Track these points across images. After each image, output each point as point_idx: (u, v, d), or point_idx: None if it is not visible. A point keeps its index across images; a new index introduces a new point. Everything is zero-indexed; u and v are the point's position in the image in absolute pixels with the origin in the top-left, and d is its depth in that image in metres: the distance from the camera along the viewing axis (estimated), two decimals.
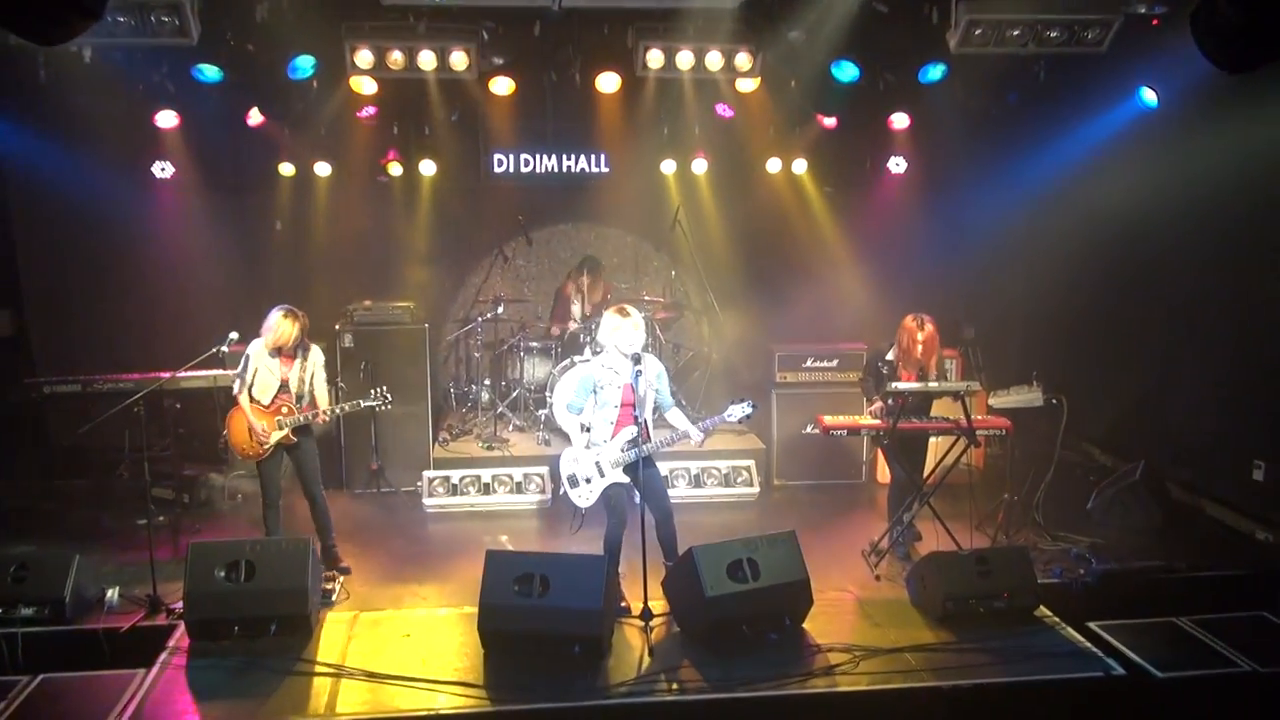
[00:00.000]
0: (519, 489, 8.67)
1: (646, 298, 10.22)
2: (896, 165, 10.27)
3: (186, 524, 7.94)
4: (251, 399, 7.04)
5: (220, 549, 6.14)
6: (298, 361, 7.07)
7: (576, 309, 9.98)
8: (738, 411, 6.41)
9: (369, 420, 8.83)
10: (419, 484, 8.74)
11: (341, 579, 6.95)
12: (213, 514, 8.49)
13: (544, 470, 8.71)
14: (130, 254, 9.77)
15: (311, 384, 7.12)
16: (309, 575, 6.11)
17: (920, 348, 7.14)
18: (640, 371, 6.29)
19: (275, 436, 7.01)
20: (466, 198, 10.54)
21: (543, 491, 8.64)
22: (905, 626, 6.25)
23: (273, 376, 7.02)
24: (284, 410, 7.04)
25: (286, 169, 9.88)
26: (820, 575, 6.39)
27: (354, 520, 8.32)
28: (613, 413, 6.44)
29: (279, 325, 6.93)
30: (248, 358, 7.04)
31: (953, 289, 10.11)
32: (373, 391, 7.30)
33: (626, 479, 6.47)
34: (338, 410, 7.20)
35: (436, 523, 8.44)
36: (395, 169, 10.07)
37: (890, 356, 7.34)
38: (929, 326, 7.16)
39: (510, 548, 7.73)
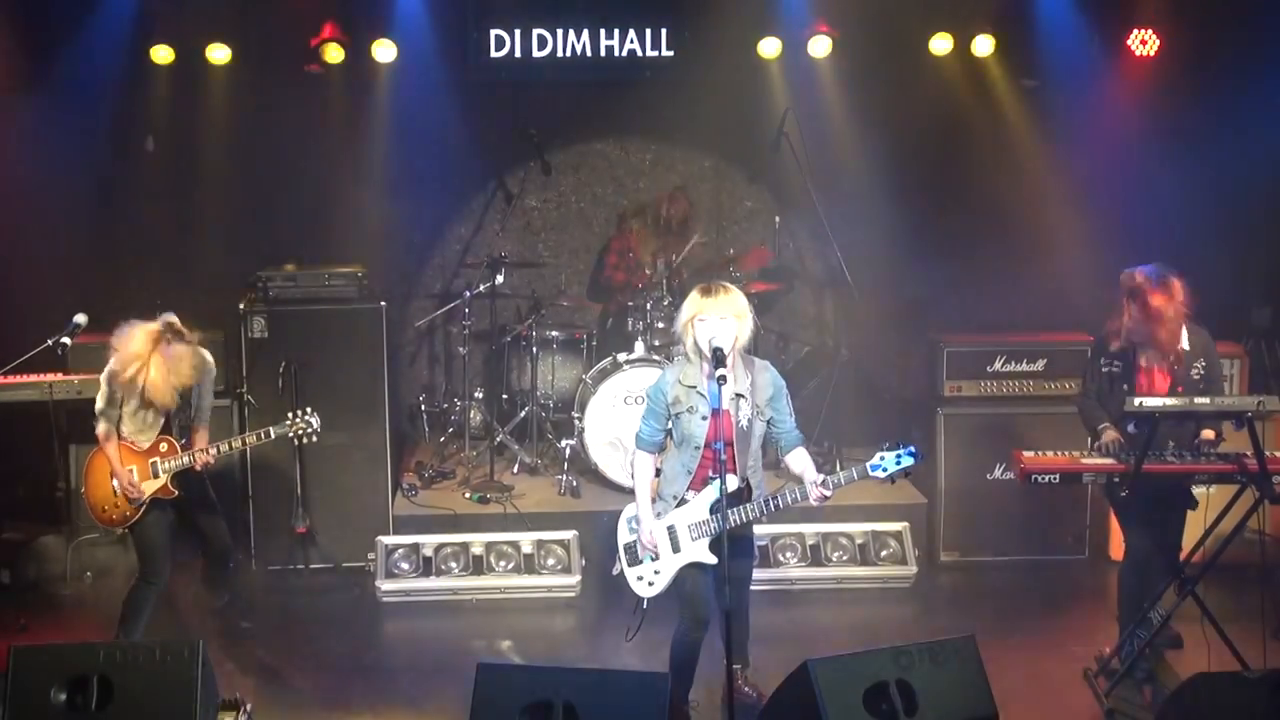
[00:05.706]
0: (530, 566, 8.73)
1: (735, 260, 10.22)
2: (1142, 43, 10.17)
3: (6, 617, 8.08)
4: (122, 439, 7.23)
5: (60, 657, 6.14)
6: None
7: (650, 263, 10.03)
8: (889, 464, 6.43)
9: (290, 457, 8.92)
10: (370, 557, 8.84)
11: (249, 707, 6.98)
12: (48, 601, 8.63)
13: (570, 535, 8.79)
14: None
15: (198, 408, 7.31)
16: (198, 700, 6.07)
17: (1157, 325, 7.04)
18: (723, 382, 6.19)
19: (149, 489, 7.19)
20: (446, 100, 10.54)
21: (568, 570, 8.71)
22: None
23: (152, 412, 7.20)
24: (163, 448, 7.21)
25: (163, 54, 9.97)
26: (1016, 708, 6.33)
27: (267, 614, 8.42)
28: (693, 455, 6.48)
29: (146, 350, 6.95)
30: (112, 387, 7.16)
31: (1234, 250, 9.94)
32: (289, 417, 7.41)
33: (712, 558, 6.51)
34: (226, 448, 7.34)
35: (398, 619, 8.53)
36: (334, 53, 10.13)
37: (1118, 346, 7.27)
38: (1175, 289, 7.04)
39: (516, 659, 7.79)
